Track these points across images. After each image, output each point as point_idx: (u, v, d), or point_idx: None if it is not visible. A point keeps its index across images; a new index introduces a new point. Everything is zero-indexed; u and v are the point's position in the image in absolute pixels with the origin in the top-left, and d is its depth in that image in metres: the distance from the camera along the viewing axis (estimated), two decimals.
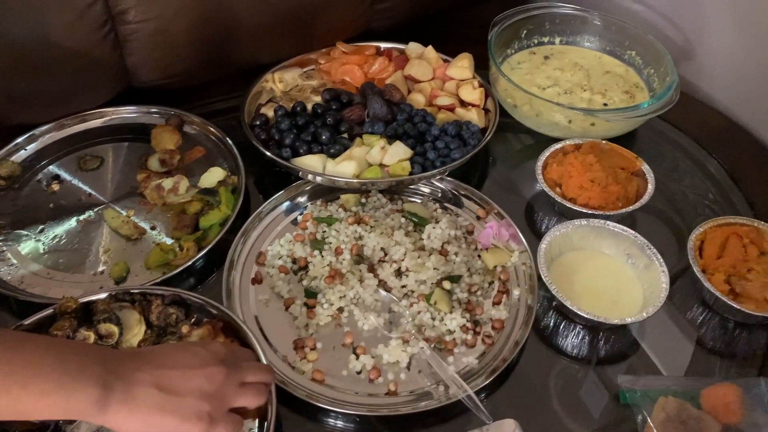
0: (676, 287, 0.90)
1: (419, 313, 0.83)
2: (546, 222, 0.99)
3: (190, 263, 0.87)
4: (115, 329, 0.76)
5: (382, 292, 0.85)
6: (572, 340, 0.85)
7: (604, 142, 0.99)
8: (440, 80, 1.13)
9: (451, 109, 1.07)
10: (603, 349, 0.84)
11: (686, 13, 1.21)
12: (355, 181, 0.93)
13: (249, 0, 1.02)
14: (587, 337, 0.85)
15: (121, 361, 0.60)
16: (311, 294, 0.85)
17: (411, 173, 0.95)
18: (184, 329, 0.77)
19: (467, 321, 0.82)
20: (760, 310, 0.82)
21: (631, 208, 0.92)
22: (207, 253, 0.89)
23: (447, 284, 0.84)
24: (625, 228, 0.89)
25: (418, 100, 1.08)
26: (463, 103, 1.09)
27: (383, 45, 1.18)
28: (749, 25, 1.10)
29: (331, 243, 0.89)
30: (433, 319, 0.82)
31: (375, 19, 1.18)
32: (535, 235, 0.96)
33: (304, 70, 1.16)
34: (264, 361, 0.73)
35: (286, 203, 0.97)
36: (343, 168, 0.94)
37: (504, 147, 1.11)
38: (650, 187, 0.94)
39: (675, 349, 0.85)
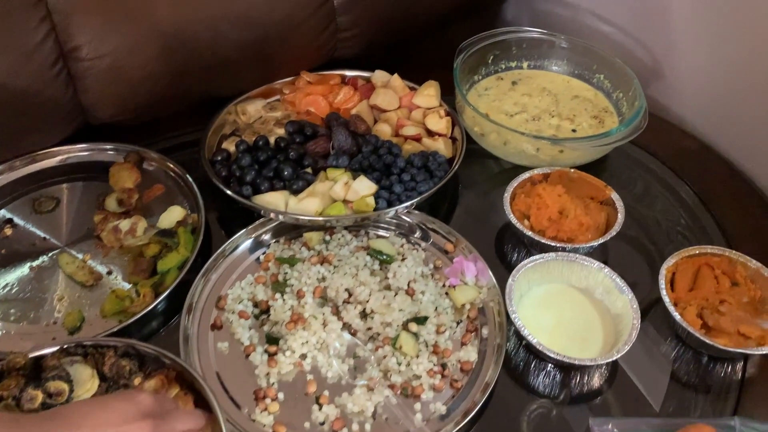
0: (650, 318, 0.89)
1: (385, 357, 0.80)
2: (516, 254, 0.97)
3: (146, 310, 0.84)
4: (65, 387, 0.72)
5: (347, 336, 0.82)
6: (544, 380, 0.83)
7: (572, 170, 0.97)
8: (407, 109, 1.11)
9: (417, 139, 1.05)
10: (576, 387, 0.82)
11: (654, 33, 1.20)
12: (319, 218, 0.91)
13: (207, 33, 1.00)
14: (559, 376, 0.83)
15: (31, 426, 0.56)
16: (273, 340, 0.82)
17: (376, 209, 0.92)
18: (137, 381, 0.74)
19: (434, 365, 0.80)
20: (733, 344, 0.80)
21: (601, 240, 0.90)
22: (165, 299, 0.85)
23: (413, 326, 0.82)
24: (594, 261, 0.87)
25: (384, 130, 1.06)
26: (431, 133, 1.07)
27: (349, 73, 1.16)
28: (717, 45, 1.09)
29: (293, 285, 0.86)
30: (399, 364, 0.79)
31: (340, 48, 1.16)
32: (506, 267, 0.93)
33: (268, 101, 1.13)
34: (219, 414, 0.69)
35: (249, 242, 0.94)
36: (306, 205, 0.91)
37: (473, 176, 1.09)
38: (620, 217, 0.92)
39: (649, 385, 0.83)
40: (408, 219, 0.97)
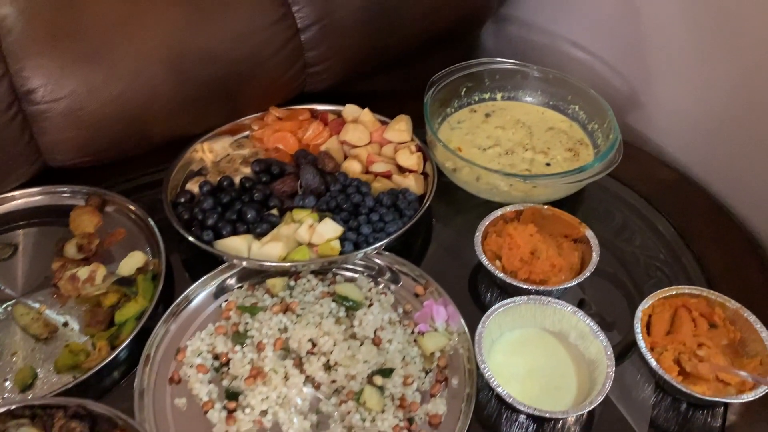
0: (630, 361, 0.86)
1: (349, 413, 0.76)
2: (490, 295, 0.94)
3: (101, 366, 0.80)
4: None
5: (309, 390, 0.79)
6: (517, 431, 0.79)
7: (546, 207, 0.94)
8: (378, 144, 1.08)
9: (387, 176, 1.02)
10: None
11: (632, 61, 1.18)
12: (282, 264, 0.87)
13: (168, 72, 0.97)
14: (533, 426, 0.80)
15: None
16: (232, 395, 0.78)
17: (342, 252, 0.89)
18: None
19: (401, 420, 0.76)
20: (712, 391, 0.77)
21: (574, 281, 0.87)
22: (121, 352, 0.82)
23: (378, 379, 0.78)
24: (567, 304, 0.83)
25: (353, 167, 1.03)
26: (402, 169, 1.04)
27: (320, 107, 1.14)
28: (693, 74, 1.07)
29: (253, 336, 0.83)
30: (364, 420, 0.76)
31: (310, 82, 1.14)
32: (480, 308, 0.90)
33: (236, 137, 1.11)
34: None
35: (213, 287, 0.91)
36: (269, 250, 0.88)
37: (446, 212, 1.06)
38: (594, 256, 0.89)
39: None
40: (378, 260, 0.94)
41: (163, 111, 1.00)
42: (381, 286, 0.91)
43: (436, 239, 1.03)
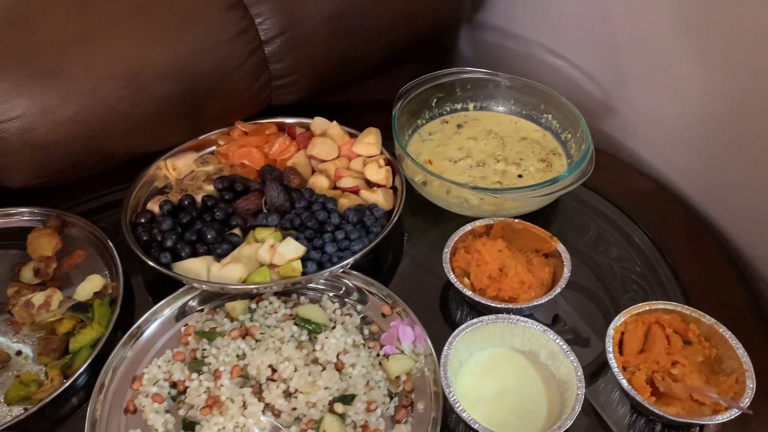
0: (603, 380, 0.83)
1: None
2: (461, 313, 0.91)
3: (51, 397, 0.77)
4: None
5: (268, 420, 0.75)
6: None
7: (516, 221, 0.92)
8: (346, 158, 1.05)
9: (355, 191, 1.00)
10: None
11: (606, 68, 1.15)
12: (243, 286, 0.84)
13: (125, 89, 0.94)
14: None
15: None
16: (189, 426, 0.75)
17: (304, 273, 0.86)
18: None
19: None
20: (686, 412, 0.74)
21: (544, 298, 0.84)
22: (74, 382, 0.79)
23: (339, 407, 0.75)
24: (537, 323, 0.81)
25: (320, 183, 1.00)
26: (371, 183, 1.02)
27: (289, 120, 1.11)
28: (668, 81, 1.04)
29: (210, 364, 0.79)
30: None
31: (276, 96, 1.11)
32: (451, 326, 0.87)
33: (201, 153, 1.08)
34: None
35: (173, 310, 0.88)
36: (228, 272, 0.85)
37: (417, 226, 1.03)
38: (566, 271, 0.86)
39: None
40: (345, 280, 0.91)
41: (122, 129, 0.97)
42: (347, 307, 0.88)
43: (407, 255, 1.00)
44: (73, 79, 0.92)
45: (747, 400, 0.73)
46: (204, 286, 0.86)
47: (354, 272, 0.91)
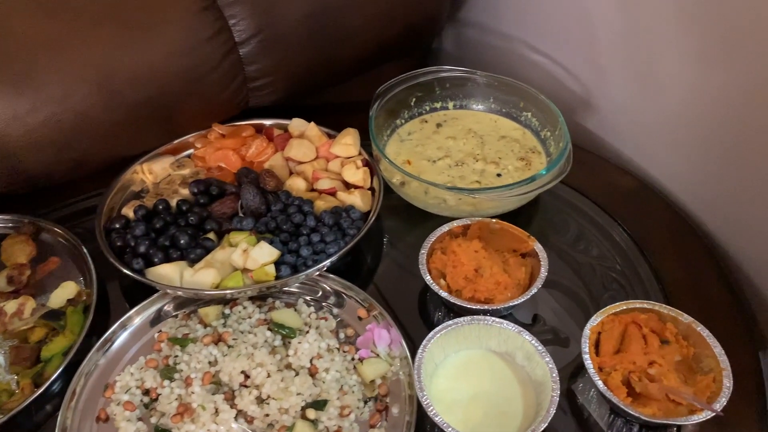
0: (582, 380, 0.82)
1: None
2: (439, 316, 0.90)
3: (22, 406, 0.76)
4: None
5: (240, 427, 0.75)
6: None
7: (494, 221, 0.91)
8: (324, 159, 1.04)
9: (332, 193, 0.99)
10: None
11: (585, 63, 1.15)
12: (216, 292, 0.83)
13: (97, 95, 0.93)
14: None
15: None
16: None
17: (279, 276, 0.85)
18: None
19: None
20: (663, 412, 0.73)
21: (521, 298, 0.83)
22: (48, 390, 0.78)
23: (311, 413, 0.74)
24: (512, 324, 0.79)
25: (298, 185, 1.00)
26: (348, 185, 1.01)
27: (267, 122, 1.10)
28: (647, 77, 1.03)
29: (182, 371, 0.79)
30: None
31: (254, 97, 1.10)
32: (429, 329, 0.85)
33: (178, 157, 1.07)
34: None
35: (148, 316, 0.87)
36: (201, 277, 0.84)
37: (397, 229, 1.03)
38: (543, 271, 0.85)
39: None
40: (321, 283, 0.90)
41: (96, 134, 0.96)
42: (323, 311, 0.88)
43: (387, 257, 0.99)
44: (44, 84, 0.91)
45: (724, 399, 0.72)
46: (178, 292, 0.85)
47: (331, 275, 0.90)
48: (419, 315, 0.91)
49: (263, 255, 0.85)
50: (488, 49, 1.37)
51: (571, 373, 0.84)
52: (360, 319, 0.87)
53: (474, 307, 0.82)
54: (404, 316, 0.89)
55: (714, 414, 0.70)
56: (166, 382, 0.78)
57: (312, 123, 1.06)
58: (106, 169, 1.02)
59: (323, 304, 0.89)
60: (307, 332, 0.82)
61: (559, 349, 0.86)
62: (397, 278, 0.95)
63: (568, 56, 1.18)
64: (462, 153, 1.04)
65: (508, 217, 0.95)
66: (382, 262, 0.98)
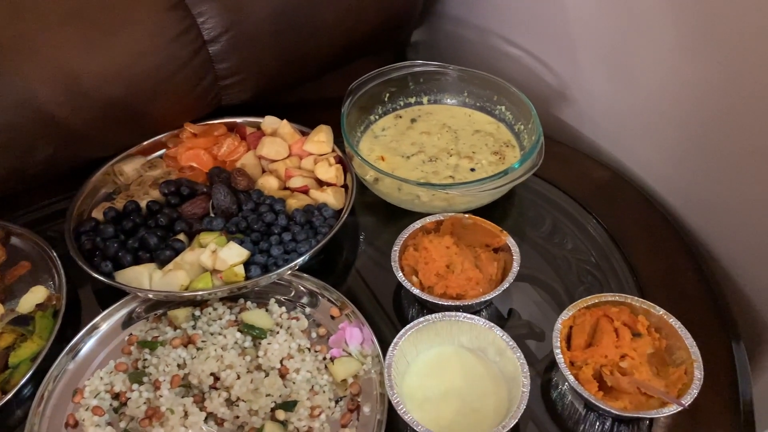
0: (556, 374, 0.82)
1: None
2: (413, 313, 0.89)
3: None
4: None
5: (210, 429, 0.74)
6: None
7: (466, 216, 0.90)
8: (297, 157, 1.03)
9: (305, 191, 0.98)
10: None
11: (560, 56, 1.14)
12: (186, 293, 0.83)
13: (63, 96, 0.91)
14: None
15: None
16: None
17: (249, 276, 0.84)
18: None
19: None
20: (634, 406, 0.73)
21: (493, 293, 0.82)
22: (15, 397, 0.77)
23: (281, 414, 0.74)
24: (482, 320, 0.79)
25: (270, 184, 0.99)
26: (322, 182, 1.00)
27: (239, 120, 1.09)
28: (623, 69, 1.02)
29: (150, 374, 0.78)
30: None
31: (225, 96, 1.09)
32: (403, 325, 0.85)
33: (150, 157, 1.06)
34: None
35: (120, 319, 0.86)
36: (170, 279, 0.83)
37: (372, 226, 1.02)
38: (515, 266, 0.85)
39: None
40: (294, 283, 0.89)
41: (64, 136, 0.94)
42: (295, 311, 0.87)
43: (362, 255, 0.98)
44: (8, 86, 0.89)
45: (695, 391, 0.72)
46: (149, 294, 0.84)
47: (305, 275, 0.90)
48: (394, 312, 0.90)
49: (232, 256, 0.84)
50: (465, 42, 1.36)
51: (546, 367, 0.84)
52: (333, 318, 0.86)
53: (446, 304, 0.82)
54: (378, 314, 0.89)
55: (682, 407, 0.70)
56: (134, 386, 0.77)
57: (285, 120, 1.05)
58: (77, 171, 1.01)
59: (296, 303, 0.88)
60: (278, 333, 0.81)
61: (534, 343, 0.86)
62: (371, 276, 0.95)
63: (544, 48, 1.17)
64: (436, 148, 1.03)
65: (484, 211, 0.94)
66: (357, 259, 0.98)
